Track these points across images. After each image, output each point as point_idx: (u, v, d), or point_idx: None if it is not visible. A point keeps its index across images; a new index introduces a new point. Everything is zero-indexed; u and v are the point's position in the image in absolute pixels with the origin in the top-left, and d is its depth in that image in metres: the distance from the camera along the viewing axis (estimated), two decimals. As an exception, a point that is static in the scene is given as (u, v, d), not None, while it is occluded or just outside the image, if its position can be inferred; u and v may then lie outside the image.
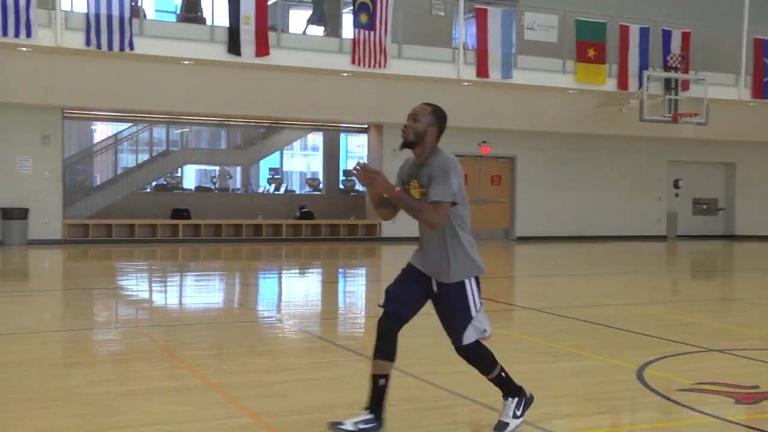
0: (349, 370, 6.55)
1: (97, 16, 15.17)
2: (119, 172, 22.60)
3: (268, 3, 17.26)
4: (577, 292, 12.52)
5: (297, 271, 16.02)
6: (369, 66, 17.78)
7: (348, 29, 18.62)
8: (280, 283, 14.08)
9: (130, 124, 22.70)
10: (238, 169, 24.95)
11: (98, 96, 18.45)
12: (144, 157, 22.91)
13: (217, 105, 19.73)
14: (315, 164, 28.81)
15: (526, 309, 10.36)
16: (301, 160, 31.41)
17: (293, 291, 13.40)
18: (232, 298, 11.98)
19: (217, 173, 24.47)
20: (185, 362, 6.59)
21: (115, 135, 23.11)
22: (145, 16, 17.48)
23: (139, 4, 17.07)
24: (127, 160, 23.09)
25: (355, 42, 17.64)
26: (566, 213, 24.19)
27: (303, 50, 17.71)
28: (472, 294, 4.64)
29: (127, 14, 15.42)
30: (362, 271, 16.08)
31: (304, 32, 19.10)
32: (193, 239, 20.54)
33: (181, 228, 20.52)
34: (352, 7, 17.94)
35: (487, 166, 23.58)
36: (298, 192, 25.45)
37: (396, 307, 4.65)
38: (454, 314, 4.64)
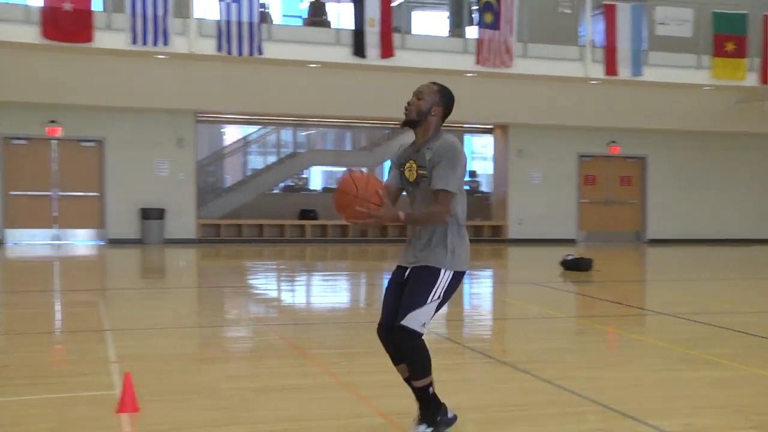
0: (480, 372, 6.51)
1: (228, 22, 15.66)
2: (248, 173, 23.25)
3: (392, 5, 17.37)
4: (714, 297, 12.01)
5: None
6: (494, 66, 17.62)
7: (472, 29, 18.54)
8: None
9: (259, 127, 23.33)
10: (363, 170, 25.19)
11: (228, 100, 19.07)
12: (272, 158, 23.50)
13: (342, 107, 20.03)
14: (439, 165, 28.78)
15: (660, 314, 10.01)
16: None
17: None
18: (358, 297, 12.12)
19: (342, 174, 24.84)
20: (315, 360, 6.69)
21: (245, 138, 23.80)
22: (272, 21, 17.94)
23: (267, 9, 17.52)
24: (256, 162, 23.74)
25: (479, 42, 17.51)
26: (702, 215, 23.28)
27: (427, 51, 17.72)
28: (440, 284, 4.37)
29: (256, 20, 15.84)
30: (488, 273, 15.95)
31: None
32: (320, 239, 20.91)
33: (308, 228, 20.93)
34: (476, 7, 17.84)
35: (616, 166, 22.96)
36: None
37: (387, 317, 4.53)
38: (412, 293, 4.37)
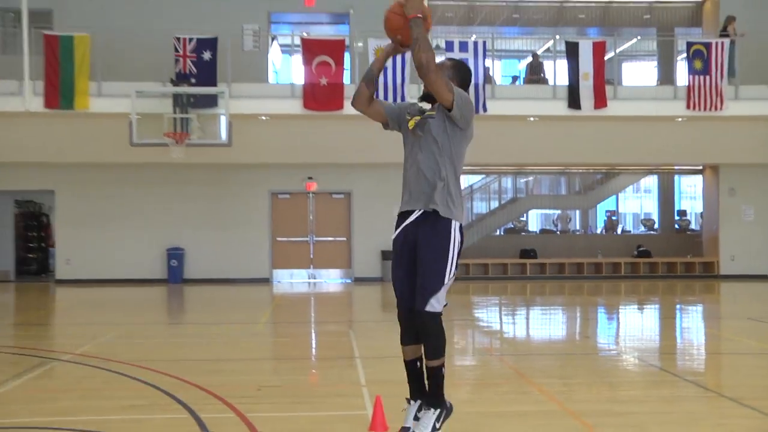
0: (704, 406, 6.04)
1: (455, 85, 15.98)
2: (473, 218, 23.35)
3: (605, 58, 16.95)
4: None
5: (636, 306, 15.29)
6: (704, 110, 16.62)
7: (682, 76, 17.68)
8: (619, 318, 13.51)
9: (483, 176, 23.47)
10: (577, 212, 24.59)
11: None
12: (494, 204, 23.47)
13: (558, 155, 19.70)
14: (648, 205, 27.55)
15: None
16: (634, 202, 30.13)
17: (633, 325, 12.78)
18: (574, 330, 11.73)
19: (557, 216, 24.38)
20: (541, 388, 6.54)
21: (470, 186, 24.00)
22: (495, 82, 18.06)
23: (491, 72, 17.68)
24: (480, 207, 23.80)
25: (689, 88, 16.62)
26: None
27: (638, 100, 17.13)
28: (453, 249, 4.03)
29: (481, 81, 16.04)
30: (700, 308, 14.90)
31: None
32: (539, 276, 20.56)
33: (528, 266, 20.70)
34: (686, 55, 16.99)
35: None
36: (633, 232, 24.45)
37: (404, 297, 4.20)
38: (428, 273, 4.01)
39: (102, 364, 7.68)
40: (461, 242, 4.21)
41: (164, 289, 17.96)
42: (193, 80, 15.68)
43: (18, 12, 15.80)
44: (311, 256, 20.07)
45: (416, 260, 4.14)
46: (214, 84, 15.80)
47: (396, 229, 4.32)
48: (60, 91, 15.43)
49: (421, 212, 4.17)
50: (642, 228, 24.55)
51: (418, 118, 4.28)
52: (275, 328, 11.74)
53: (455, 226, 4.16)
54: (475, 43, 16.27)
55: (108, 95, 15.81)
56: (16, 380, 6.97)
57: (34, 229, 21.10)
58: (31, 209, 20.97)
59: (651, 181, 25.21)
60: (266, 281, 19.43)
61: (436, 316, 4.11)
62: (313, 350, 9.59)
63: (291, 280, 19.85)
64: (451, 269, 4.13)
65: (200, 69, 15.80)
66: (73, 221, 19.04)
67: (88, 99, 15.59)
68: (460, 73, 4.35)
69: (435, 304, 4.06)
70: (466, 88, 4.36)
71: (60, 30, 16.31)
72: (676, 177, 23.95)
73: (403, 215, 4.30)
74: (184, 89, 15.45)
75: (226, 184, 19.38)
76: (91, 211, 19.03)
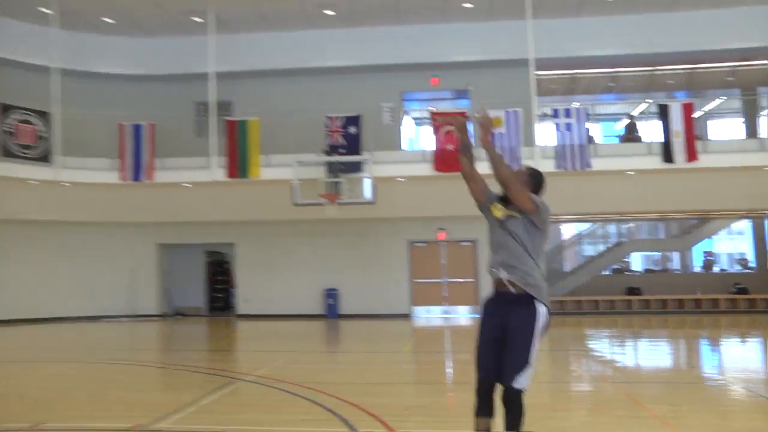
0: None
1: (564, 146, 15.67)
2: (583, 260, 22.59)
3: (693, 117, 16.15)
4: None
5: (738, 339, 14.16)
6: (793, 159, 15.44)
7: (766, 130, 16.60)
8: (721, 349, 12.55)
9: (590, 224, 22.73)
10: (676, 254, 23.27)
11: (565, 204, 18.79)
12: (601, 248, 22.64)
13: (655, 203, 18.78)
14: (740, 246, 25.75)
15: None
16: (728, 243, 28.23)
17: (737, 356, 11.82)
18: (679, 360, 11.00)
19: (658, 257, 23.20)
20: (654, 413, 6.17)
21: (580, 232, 23.30)
22: (596, 141, 17.56)
23: (591, 134, 17.24)
24: (589, 250, 23.01)
25: (776, 140, 15.52)
26: None
27: (726, 153, 16.15)
28: (540, 330, 3.76)
29: (585, 142, 15.66)
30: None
31: None
32: (644, 311, 19.51)
33: (634, 302, 19.72)
34: (768, 110, 15.96)
35: None
36: (729, 271, 22.81)
37: (488, 373, 3.90)
38: (517, 348, 3.74)
39: (276, 384, 7.91)
40: (548, 323, 4.11)
41: (323, 323, 18.32)
42: (342, 150, 16.20)
43: (207, 104, 17.01)
44: (444, 295, 19.98)
45: (505, 338, 4.01)
46: (358, 153, 16.25)
47: (489, 297, 4.26)
48: (238, 164, 16.34)
49: (513, 293, 4.09)
50: (737, 267, 22.91)
51: (505, 211, 4.29)
52: (416, 356, 11.71)
53: (543, 309, 4.06)
54: (578, 110, 15.95)
55: (275, 165, 16.58)
56: (212, 395, 7.31)
57: (220, 274, 22.23)
58: (217, 258, 22.14)
59: (743, 224, 23.58)
60: (407, 316, 19.46)
61: (522, 393, 3.98)
62: (449, 375, 9.49)
63: (427, 315, 19.78)
64: (535, 346, 4.04)
65: (348, 141, 16.32)
66: (250, 267, 19.94)
67: (259, 169, 16.41)
68: (535, 180, 4.33)
69: (522, 381, 3.95)
70: (538, 192, 4.33)
71: (237, 116, 17.37)
72: (767, 221, 22.24)
73: (495, 288, 4.24)
74: (335, 158, 15.98)
75: (372, 235, 19.73)
76: (263, 258, 19.87)
